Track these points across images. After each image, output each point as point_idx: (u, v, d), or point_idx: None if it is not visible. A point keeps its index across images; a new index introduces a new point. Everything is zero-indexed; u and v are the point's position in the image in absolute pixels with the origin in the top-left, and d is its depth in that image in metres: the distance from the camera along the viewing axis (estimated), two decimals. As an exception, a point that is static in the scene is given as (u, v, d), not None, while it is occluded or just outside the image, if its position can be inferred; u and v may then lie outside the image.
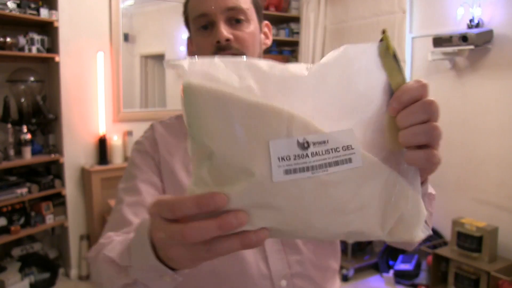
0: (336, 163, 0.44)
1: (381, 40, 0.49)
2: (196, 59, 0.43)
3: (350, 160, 0.44)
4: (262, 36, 0.89)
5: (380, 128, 0.48)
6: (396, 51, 0.49)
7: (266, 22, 0.91)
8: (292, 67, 0.46)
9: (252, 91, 0.43)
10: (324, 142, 0.44)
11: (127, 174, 0.88)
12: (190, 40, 0.91)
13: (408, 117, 0.46)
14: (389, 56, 0.48)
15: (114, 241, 0.65)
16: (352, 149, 0.44)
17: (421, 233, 0.48)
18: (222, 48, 0.79)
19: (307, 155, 0.42)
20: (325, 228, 0.45)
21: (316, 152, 0.43)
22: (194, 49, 0.86)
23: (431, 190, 0.69)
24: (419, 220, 0.48)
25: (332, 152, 0.44)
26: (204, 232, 0.40)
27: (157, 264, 0.49)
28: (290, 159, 0.42)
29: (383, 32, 0.49)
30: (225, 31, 0.79)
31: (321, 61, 0.48)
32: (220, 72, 0.43)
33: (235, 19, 0.81)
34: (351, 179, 0.45)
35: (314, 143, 0.43)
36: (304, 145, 0.43)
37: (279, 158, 0.42)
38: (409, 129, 0.46)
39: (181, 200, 0.41)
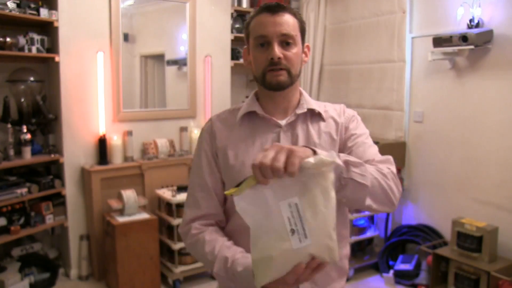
0: (299, 216, 0.81)
1: (238, 185, 0.82)
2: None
3: (297, 205, 0.81)
4: (303, 55, 1.14)
5: (283, 189, 0.81)
6: (237, 190, 0.81)
7: (307, 44, 1.16)
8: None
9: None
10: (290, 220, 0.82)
11: (195, 161, 1.19)
12: (246, 50, 1.16)
13: (270, 176, 0.79)
14: (241, 188, 0.81)
15: (218, 257, 1.02)
16: (294, 205, 0.81)
17: (328, 158, 0.81)
18: (274, 64, 1.06)
19: (296, 230, 0.80)
20: (331, 222, 0.82)
21: (295, 223, 0.80)
22: (251, 58, 1.13)
23: (360, 180, 0.94)
24: (323, 161, 0.81)
25: (295, 215, 0.81)
26: (307, 279, 0.84)
27: None
28: (297, 230, 0.81)
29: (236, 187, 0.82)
30: (278, 51, 1.05)
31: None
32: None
33: (286, 42, 1.07)
34: (305, 206, 0.82)
35: (291, 226, 0.80)
36: (293, 231, 0.80)
37: (299, 240, 0.81)
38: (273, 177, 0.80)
39: (290, 279, 0.82)
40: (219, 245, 1.04)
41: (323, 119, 1.17)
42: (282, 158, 0.78)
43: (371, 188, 0.95)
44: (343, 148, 1.16)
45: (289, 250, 0.80)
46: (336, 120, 1.18)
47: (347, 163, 0.92)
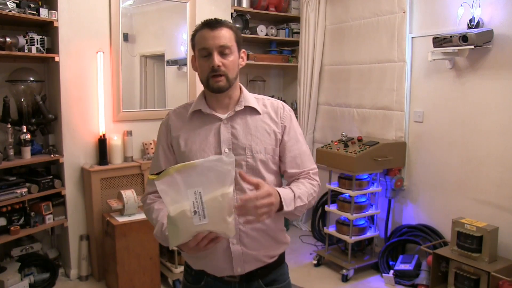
0: (201, 202, 1.08)
1: (159, 173, 1.08)
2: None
3: (201, 194, 1.08)
4: (240, 59, 1.38)
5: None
6: (158, 177, 1.08)
7: (243, 50, 1.40)
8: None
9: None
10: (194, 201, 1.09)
11: (156, 146, 1.46)
12: (194, 58, 1.38)
13: None
14: (160, 176, 1.08)
15: (158, 222, 1.30)
16: (198, 193, 1.08)
17: (228, 159, 1.09)
18: (215, 71, 1.29)
19: (198, 211, 1.08)
20: (226, 209, 1.10)
21: (198, 206, 1.08)
22: (197, 65, 1.36)
23: (291, 216, 1.32)
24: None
25: (198, 201, 1.08)
26: (207, 246, 1.14)
27: (180, 250, 1.22)
28: (198, 211, 1.08)
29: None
30: (217, 60, 1.29)
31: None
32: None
33: (223, 52, 1.30)
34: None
35: (194, 208, 1.07)
36: (195, 212, 1.08)
37: (199, 219, 1.08)
38: None
39: (191, 244, 1.12)
40: (162, 214, 1.32)
41: (259, 113, 1.40)
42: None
43: (298, 214, 1.33)
44: (283, 148, 1.40)
45: (191, 224, 1.08)
46: (272, 116, 1.41)
47: (295, 209, 1.28)
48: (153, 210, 1.36)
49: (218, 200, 1.08)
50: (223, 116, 1.37)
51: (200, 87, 4.40)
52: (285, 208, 1.23)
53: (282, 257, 1.46)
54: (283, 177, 1.44)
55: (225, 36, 1.30)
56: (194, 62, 1.39)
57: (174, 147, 1.40)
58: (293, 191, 1.29)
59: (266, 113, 1.41)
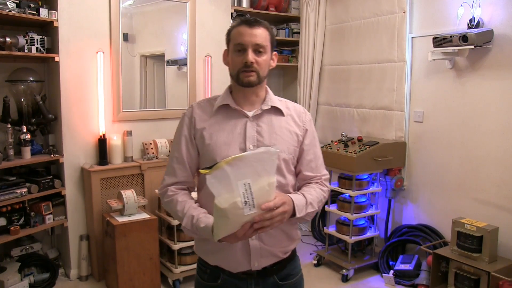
0: (250, 192, 1.13)
1: (210, 167, 1.11)
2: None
3: (250, 185, 1.12)
4: (271, 61, 1.43)
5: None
6: (209, 171, 1.10)
7: (275, 52, 1.44)
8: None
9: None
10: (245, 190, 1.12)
11: (176, 136, 1.46)
12: (226, 52, 1.43)
13: None
14: (211, 170, 1.10)
15: (186, 215, 1.33)
16: (248, 184, 1.12)
17: (273, 149, 1.17)
18: (247, 66, 1.34)
19: (248, 201, 1.12)
20: (272, 197, 1.19)
21: (247, 197, 1.12)
22: (229, 59, 1.40)
23: (301, 221, 1.38)
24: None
25: (248, 191, 1.12)
26: (252, 235, 1.20)
27: (221, 241, 1.22)
28: (248, 202, 1.12)
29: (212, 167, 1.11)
30: (251, 57, 1.33)
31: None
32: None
33: (258, 50, 1.35)
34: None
35: (245, 198, 1.11)
36: (245, 202, 1.11)
37: (249, 209, 1.13)
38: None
39: (239, 233, 1.17)
40: (188, 205, 1.36)
41: (283, 115, 1.45)
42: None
43: (308, 219, 1.39)
44: (301, 150, 1.45)
45: (241, 215, 1.12)
46: (295, 119, 1.46)
47: (306, 215, 1.34)
48: (177, 202, 1.38)
49: (265, 189, 1.14)
50: (250, 113, 1.41)
51: (200, 88, 4.40)
52: (297, 215, 1.30)
53: (294, 251, 1.52)
54: (297, 177, 1.49)
55: (262, 35, 1.35)
56: (226, 56, 1.44)
57: (197, 140, 1.41)
58: (305, 197, 1.35)
59: (290, 115, 1.46)
